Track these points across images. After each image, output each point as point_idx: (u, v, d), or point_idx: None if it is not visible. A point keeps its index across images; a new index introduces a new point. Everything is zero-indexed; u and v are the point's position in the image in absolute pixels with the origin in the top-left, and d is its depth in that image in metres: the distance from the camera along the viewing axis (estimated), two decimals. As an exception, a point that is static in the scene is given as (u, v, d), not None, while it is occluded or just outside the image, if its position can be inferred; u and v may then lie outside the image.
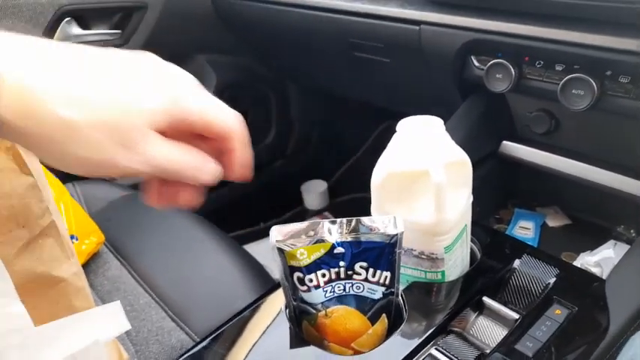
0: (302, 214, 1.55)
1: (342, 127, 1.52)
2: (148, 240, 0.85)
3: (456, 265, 0.53)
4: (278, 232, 0.49)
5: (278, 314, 0.53)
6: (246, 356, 0.50)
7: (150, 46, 1.15)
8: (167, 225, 0.88)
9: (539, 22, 0.64)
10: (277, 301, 0.55)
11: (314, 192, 1.53)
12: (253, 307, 0.56)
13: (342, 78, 1.07)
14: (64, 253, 0.47)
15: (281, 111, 1.41)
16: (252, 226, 1.45)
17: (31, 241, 0.43)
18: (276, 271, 0.90)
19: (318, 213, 1.54)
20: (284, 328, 0.51)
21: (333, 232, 0.48)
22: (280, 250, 0.48)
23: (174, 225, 0.88)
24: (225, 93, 1.25)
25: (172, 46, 1.21)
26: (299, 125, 1.47)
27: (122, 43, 1.14)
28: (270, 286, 0.61)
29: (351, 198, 1.52)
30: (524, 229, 0.76)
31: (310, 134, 1.51)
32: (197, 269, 0.78)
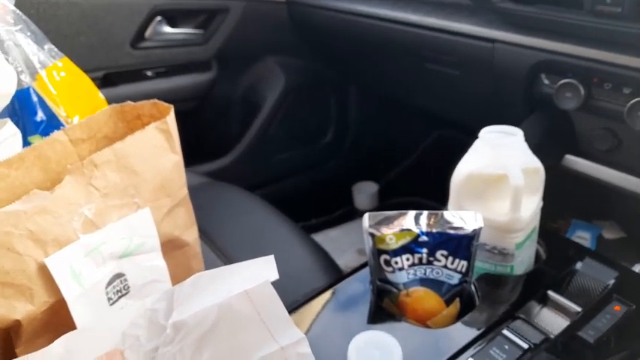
0: (351, 214, 1.62)
1: (396, 133, 1.59)
2: (224, 220, 0.94)
3: (523, 261, 0.59)
4: (370, 218, 0.57)
5: (360, 292, 0.60)
6: (329, 325, 0.57)
7: (227, 46, 1.25)
8: (241, 208, 0.97)
9: (609, 47, 0.69)
10: (354, 283, 0.62)
11: (365, 193, 1.60)
12: (330, 289, 0.63)
13: (409, 86, 1.14)
14: (190, 221, 0.56)
15: (340, 113, 1.49)
16: (305, 221, 1.53)
17: (172, 208, 0.52)
18: (340, 260, 0.97)
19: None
20: (367, 302, 0.58)
21: (420, 222, 0.55)
22: (371, 235, 0.56)
23: (248, 210, 0.97)
24: (291, 94, 1.34)
25: (247, 47, 1.31)
26: (355, 128, 1.54)
27: (203, 42, 1.24)
28: (342, 275, 0.68)
29: (400, 201, 1.59)
30: (581, 239, 0.81)
31: (365, 137, 1.58)
32: (271, 250, 0.86)
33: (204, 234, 0.91)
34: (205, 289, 0.39)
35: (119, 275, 0.47)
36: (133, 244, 0.48)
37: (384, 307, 0.58)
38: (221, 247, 0.88)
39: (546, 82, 0.77)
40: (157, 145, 0.49)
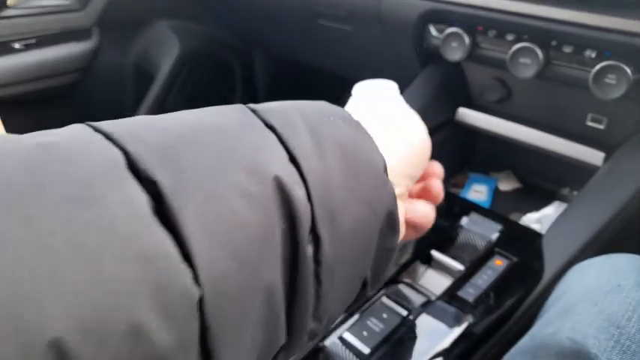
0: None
1: (307, 97, 1.53)
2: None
3: None
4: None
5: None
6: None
7: (109, 11, 1.12)
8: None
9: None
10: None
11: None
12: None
13: (306, 46, 1.08)
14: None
15: (246, 80, 1.41)
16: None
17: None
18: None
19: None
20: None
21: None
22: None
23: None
24: (188, 61, 1.24)
25: (133, 12, 1.19)
26: (264, 96, 1.47)
27: (80, 7, 1.11)
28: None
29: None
30: (478, 193, 0.80)
31: (277, 104, 1.51)
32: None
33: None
34: None
35: None
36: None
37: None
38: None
39: (434, 33, 0.74)
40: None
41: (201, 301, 0.16)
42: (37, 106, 1.08)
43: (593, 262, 0.39)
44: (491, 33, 0.68)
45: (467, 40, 0.68)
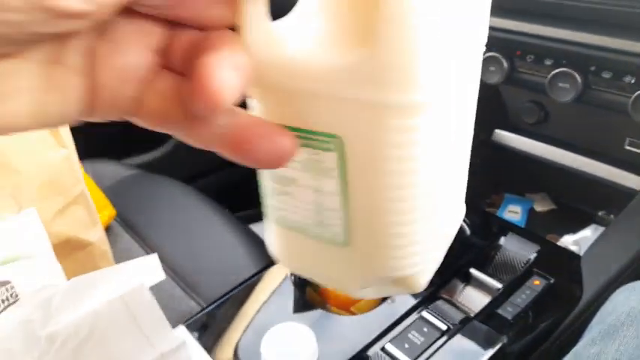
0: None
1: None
2: (156, 216, 0.90)
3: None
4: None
5: (283, 281, 0.58)
6: (253, 319, 0.55)
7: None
8: (174, 203, 0.93)
9: (529, 18, 0.68)
10: (280, 271, 0.60)
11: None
12: (257, 275, 0.61)
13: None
14: (92, 220, 0.52)
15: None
16: (258, 206, 1.49)
17: (66, 207, 0.47)
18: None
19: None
20: (289, 293, 0.56)
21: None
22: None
23: (182, 203, 0.93)
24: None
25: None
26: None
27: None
28: (271, 260, 0.66)
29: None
30: (513, 213, 0.81)
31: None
32: (204, 244, 0.83)
33: (134, 230, 0.87)
34: (84, 295, 0.36)
35: (4, 283, 0.43)
36: (18, 247, 0.44)
37: (308, 296, 0.56)
38: (152, 244, 0.84)
39: (472, 56, 0.76)
40: (39, 139, 0.45)
41: None
42: None
43: (639, 284, 0.40)
44: (530, 58, 0.70)
45: (505, 64, 0.70)
